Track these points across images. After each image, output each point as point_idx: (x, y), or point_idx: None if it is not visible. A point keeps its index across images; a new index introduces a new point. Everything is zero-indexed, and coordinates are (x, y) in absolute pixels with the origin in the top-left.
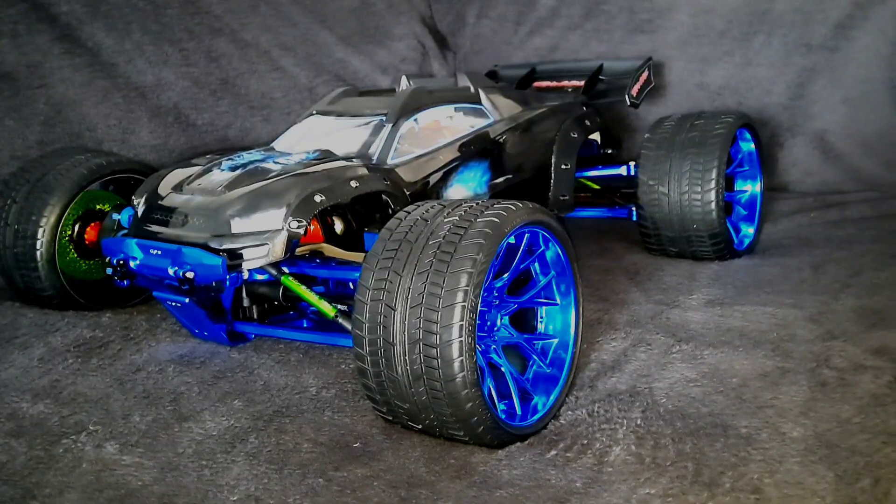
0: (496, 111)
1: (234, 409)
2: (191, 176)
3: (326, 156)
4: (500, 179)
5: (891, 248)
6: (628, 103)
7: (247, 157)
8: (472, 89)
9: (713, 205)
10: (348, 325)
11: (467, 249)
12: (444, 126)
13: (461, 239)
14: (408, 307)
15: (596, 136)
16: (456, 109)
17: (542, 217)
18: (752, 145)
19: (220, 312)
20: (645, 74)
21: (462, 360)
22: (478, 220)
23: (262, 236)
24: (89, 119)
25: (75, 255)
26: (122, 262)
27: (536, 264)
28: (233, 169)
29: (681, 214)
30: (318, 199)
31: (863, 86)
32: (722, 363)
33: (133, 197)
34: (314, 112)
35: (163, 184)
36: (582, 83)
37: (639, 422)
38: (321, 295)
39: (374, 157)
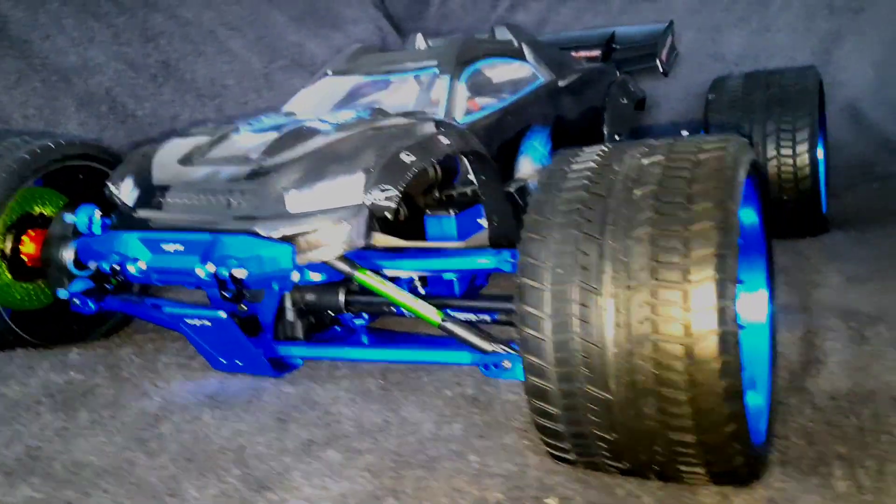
0: (542, 69)
1: (334, 465)
2: (201, 146)
3: (383, 114)
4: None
5: None
6: (661, 70)
7: (268, 121)
8: (516, 43)
9: (808, 169)
10: (467, 335)
11: (710, 196)
12: (498, 83)
13: (689, 183)
14: (623, 288)
15: None
16: (505, 65)
17: (757, 161)
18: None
19: (256, 332)
20: (670, 39)
21: (728, 362)
22: (699, 155)
23: (334, 215)
24: (1, 107)
25: (10, 277)
26: (116, 268)
27: None
28: (263, 131)
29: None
30: (406, 158)
31: (891, 48)
32: None
33: (109, 183)
34: (328, 73)
35: (158, 160)
36: (596, 53)
37: None
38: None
39: (439, 116)
